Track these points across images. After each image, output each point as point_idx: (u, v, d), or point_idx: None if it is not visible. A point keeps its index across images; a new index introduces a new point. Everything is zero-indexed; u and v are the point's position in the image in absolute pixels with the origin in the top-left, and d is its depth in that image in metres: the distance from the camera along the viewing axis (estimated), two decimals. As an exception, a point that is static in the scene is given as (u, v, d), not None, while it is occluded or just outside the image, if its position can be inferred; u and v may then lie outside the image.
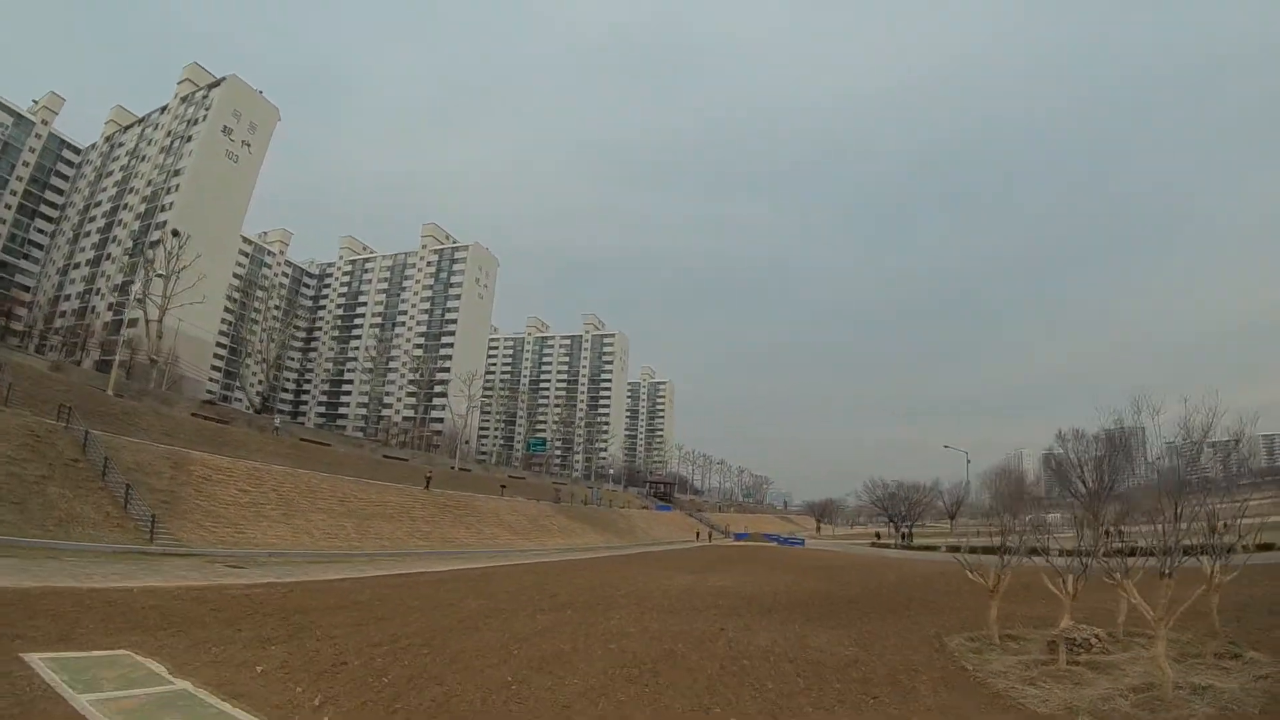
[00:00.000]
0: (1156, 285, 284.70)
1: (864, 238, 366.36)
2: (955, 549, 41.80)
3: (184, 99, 77.46)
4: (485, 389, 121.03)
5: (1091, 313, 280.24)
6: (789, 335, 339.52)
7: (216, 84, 77.13)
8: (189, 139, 73.72)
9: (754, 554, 53.88)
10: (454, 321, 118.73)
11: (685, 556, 48.20)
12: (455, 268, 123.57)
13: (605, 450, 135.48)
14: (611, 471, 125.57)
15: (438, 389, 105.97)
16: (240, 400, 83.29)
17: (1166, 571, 9.76)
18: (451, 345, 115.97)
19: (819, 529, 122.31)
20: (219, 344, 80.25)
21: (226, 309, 72.94)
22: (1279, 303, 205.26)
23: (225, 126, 75.67)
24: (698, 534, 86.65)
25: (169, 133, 75.82)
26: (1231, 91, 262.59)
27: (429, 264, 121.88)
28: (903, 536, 70.70)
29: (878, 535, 79.81)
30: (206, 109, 74.69)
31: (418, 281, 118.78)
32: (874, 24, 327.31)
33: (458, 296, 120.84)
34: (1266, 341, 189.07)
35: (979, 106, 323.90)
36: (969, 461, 67.47)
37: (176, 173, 72.11)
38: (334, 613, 13.41)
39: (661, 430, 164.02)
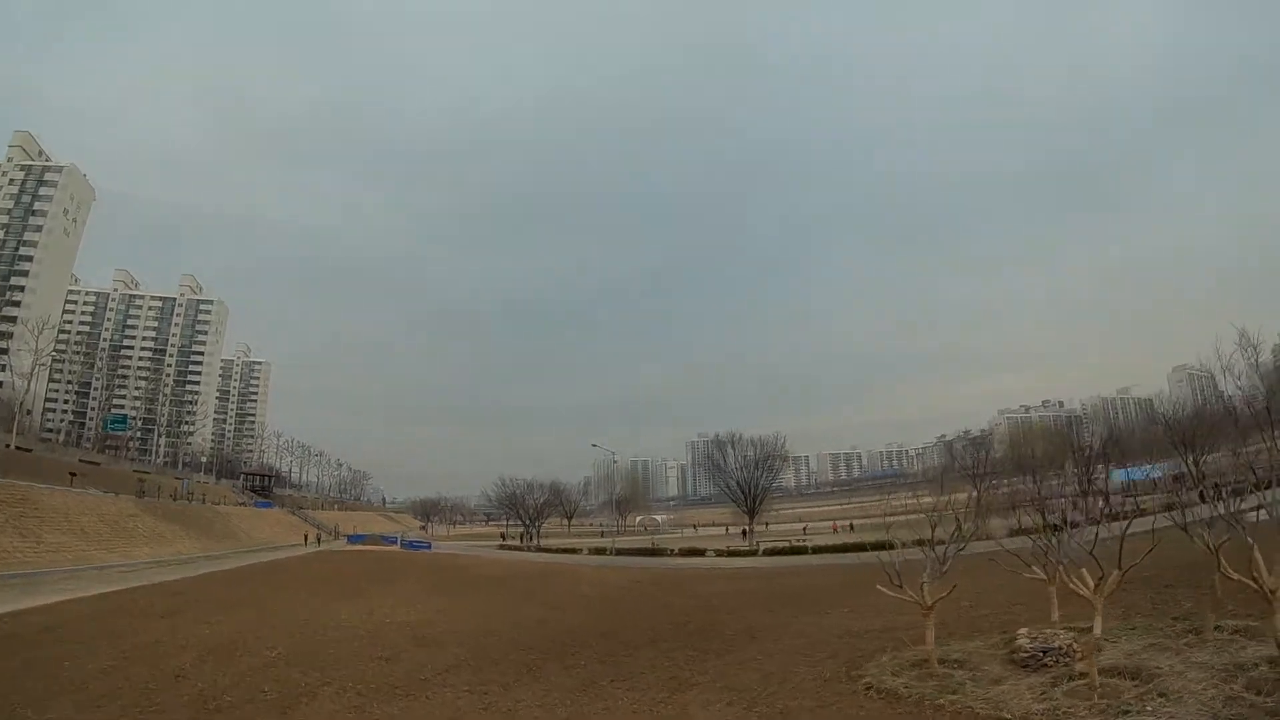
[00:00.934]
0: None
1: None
2: (600, 551, 49.90)
3: None
4: (58, 349, 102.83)
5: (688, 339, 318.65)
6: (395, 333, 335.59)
7: None
8: None
9: (394, 562, 45.21)
10: (30, 259, 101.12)
11: (316, 568, 40.04)
12: (43, 191, 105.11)
13: (193, 433, 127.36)
14: (204, 460, 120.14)
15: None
16: None
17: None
18: (23, 289, 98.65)
19: (425, 528, 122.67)
20: None
21: None
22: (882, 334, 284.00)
23: None
24: (306, 536, 78.88)
25: None
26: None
27: (12, 181, 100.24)
28: (531, 537, 69.71)
29: (503, 536, 78.97)
30: None
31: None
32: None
33: (39, 228, 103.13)
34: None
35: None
36: (615, 460, 79.94)
37: None
38: None
39: (254, 415, 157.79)
